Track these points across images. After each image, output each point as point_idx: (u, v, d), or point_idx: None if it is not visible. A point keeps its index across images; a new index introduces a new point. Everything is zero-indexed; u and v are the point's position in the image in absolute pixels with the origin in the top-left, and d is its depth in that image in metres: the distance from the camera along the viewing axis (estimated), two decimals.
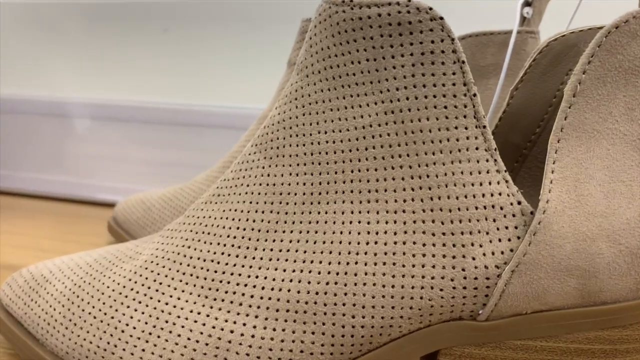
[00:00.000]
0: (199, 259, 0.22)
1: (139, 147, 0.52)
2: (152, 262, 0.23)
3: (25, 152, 0.56)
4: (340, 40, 0.20)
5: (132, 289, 0.23)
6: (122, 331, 0.22)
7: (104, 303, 0.23)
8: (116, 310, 0.22)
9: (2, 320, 0.25)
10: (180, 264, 0.23)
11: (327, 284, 0.20)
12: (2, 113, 0.55)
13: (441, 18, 0.18)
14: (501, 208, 0.19)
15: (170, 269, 0.23)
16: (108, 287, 0.23)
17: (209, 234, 0.23)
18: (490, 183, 0.19)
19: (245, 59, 0.50)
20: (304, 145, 0.21)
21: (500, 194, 0.19)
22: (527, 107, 0.24)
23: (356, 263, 0.20)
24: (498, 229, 0.19)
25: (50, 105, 0.54)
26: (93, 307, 0.23)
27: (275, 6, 0.49)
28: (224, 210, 0.23)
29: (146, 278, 0.23)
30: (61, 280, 0.25)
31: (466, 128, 0.19)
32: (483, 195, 0.19)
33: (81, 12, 0.54)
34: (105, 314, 0.23)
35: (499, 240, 0.19)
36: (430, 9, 0.18)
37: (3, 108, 0.55)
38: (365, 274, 0.20)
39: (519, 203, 0.19)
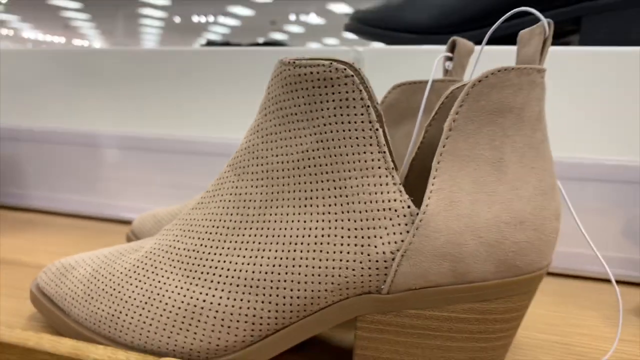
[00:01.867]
0: (184, 249, 0.30)
1: (156, 173, 0.61)
2: (151, 252, 0.31)
3: (62, 177, 0.65)
4: (288, 89, 0.28)
5: (135, 272, 0.30)
6: (126, 302, 0.29)
7: (114, 282, 0.30)
8: (122, 287, 0.30)
9: (39, 299, 0.33)
10: (171, 253, 0.30)
11: (274, 266, 0.27)
12: (45, 144, 0.65)
13: (352, 75, 0.26)
14: (396, 210, 0.26)
15: (163, 257, 0.30)
16: (117, 270, 0.31)
17: (192, 231, 0.30)
18: (389, 192, 0.26)
19: (243, 102, 0.58)
20: (261, 165, 0.29)
21: (395, 200, 0.26)
22: (437, 139, 0.31)
23: (295, 251, 0.27)
24: (393, 225, 0.26)
25: (83, 137, 0.64)
26: (106, 285, 0.30)
27: (268, 64, 0.58)
28: (204, 214, 0.30)
29: (145, 264, 0.30)
30: (83, 267, 0.33)
31: (372, 153, 0.26)
32: (383, 201, 0.26)
33: (107, 60, 0.64)
34: (114, 289, 0.30)
35: (394, 233, 0.26)
36: (345, 69, 0.26)
37: (46, 140, 0.65)
38: (301, 258, 0.27)
39: (409, 207, 0.26)
